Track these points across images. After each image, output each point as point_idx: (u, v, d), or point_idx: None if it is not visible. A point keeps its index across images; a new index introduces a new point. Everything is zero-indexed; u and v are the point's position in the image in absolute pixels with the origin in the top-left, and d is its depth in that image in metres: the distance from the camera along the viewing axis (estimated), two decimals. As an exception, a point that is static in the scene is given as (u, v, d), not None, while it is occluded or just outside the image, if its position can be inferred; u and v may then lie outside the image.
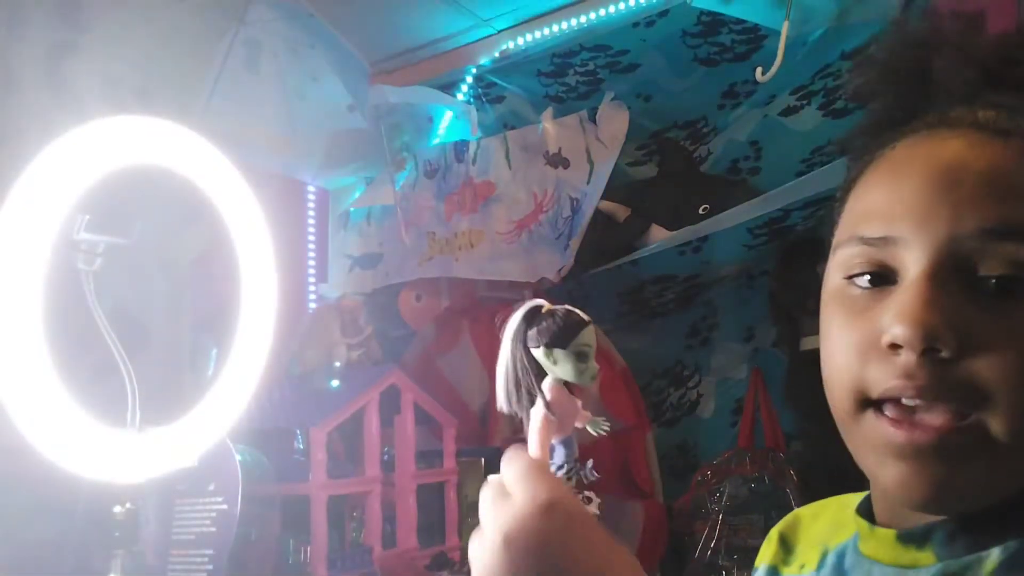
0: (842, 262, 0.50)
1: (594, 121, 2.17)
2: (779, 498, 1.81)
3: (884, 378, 0.46)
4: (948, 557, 0.47)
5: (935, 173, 0.47)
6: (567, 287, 2.18)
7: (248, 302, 1.39)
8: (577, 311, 0.99)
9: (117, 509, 1.24)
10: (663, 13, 1.97)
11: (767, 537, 0.68)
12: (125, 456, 1.20)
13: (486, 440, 2.15)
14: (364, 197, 2.54)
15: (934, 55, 0.52)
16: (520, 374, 0.96)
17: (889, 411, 0.46)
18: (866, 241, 0.49)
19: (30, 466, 1.10)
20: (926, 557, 0.48)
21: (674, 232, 2.01)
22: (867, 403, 0.47)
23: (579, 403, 1.03)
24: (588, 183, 2.13)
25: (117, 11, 1.58)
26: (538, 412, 0.95)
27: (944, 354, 0.44)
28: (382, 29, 2.31)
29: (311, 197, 2.64)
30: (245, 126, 2.02)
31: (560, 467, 1.02)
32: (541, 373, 0.97)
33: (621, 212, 2.12)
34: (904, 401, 0.45)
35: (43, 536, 1.38)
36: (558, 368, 0.97)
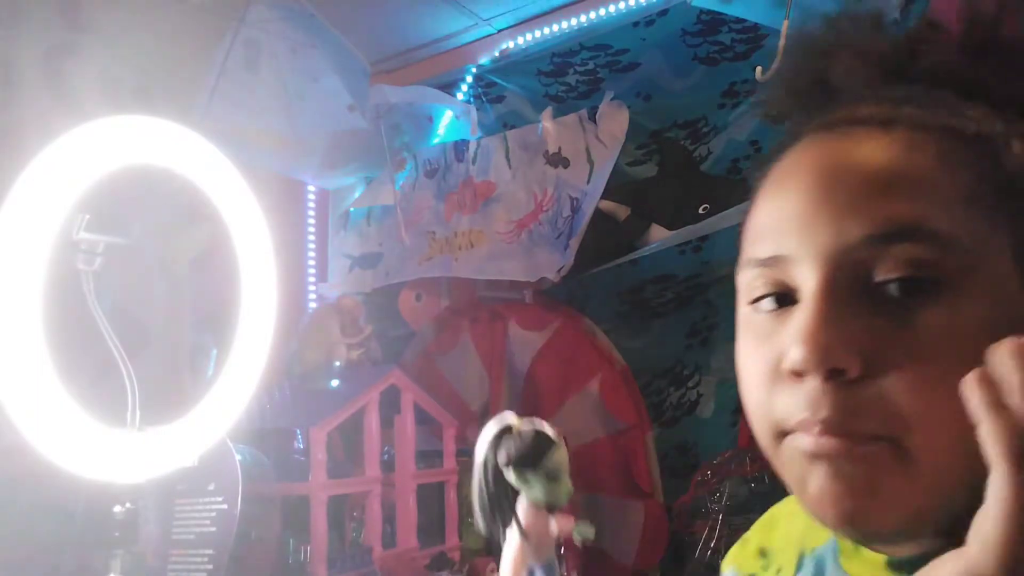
0: (743, 288, 0.47)
1: (594, 121, 2.17)
2: (779, 498, 1.80)
3: (793, 410, 0.42)
4: None
5: (814, 180, 0.44)
6: (567, 287, 2.18)
7: (248, 302, 1.39)
8: (547, 430, 0.95)
9: (117, 509, 1.24)
10: (663, 12, 1.97)
11: (743, 538, 0.63)
12: (125, 456, 1.20)
13: (486, 440, 2.15)
14: (364, 197, 2.54)
15: (833, 60, 0.49)
16: (492, 496, 0.93)
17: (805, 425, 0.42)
18: (760, 263, 0.45)
19: (30, 466, 1.10)
20: None
21: (674, 232, 2.01)
22: (784, 435, 0.43)
23: (566, 519, 0.99)
24: (588, 183, 2.13)
25: (117, 11, 1.58)
26: (513, 536, 0.92)
27: (850, 376, 0.40)
28: (382, 29, 2.31)
29: (311, 197, 2.64)
30: (245, 126, 2.02)
31: None
32: (515, 493, 0.94)
33: (621, 212, 2.12)
34: (836, 436, 0.41)
35: (43, 536, 1.38)
36: (530, 490, 0.94)
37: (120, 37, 1.59)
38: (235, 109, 1.94)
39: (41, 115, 1.44)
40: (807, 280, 0.42)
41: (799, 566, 0.53)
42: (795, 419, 0.41)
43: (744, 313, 0.47)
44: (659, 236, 2.05)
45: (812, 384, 0.41)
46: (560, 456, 0.94)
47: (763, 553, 0.60)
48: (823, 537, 0.52)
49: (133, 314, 1.57)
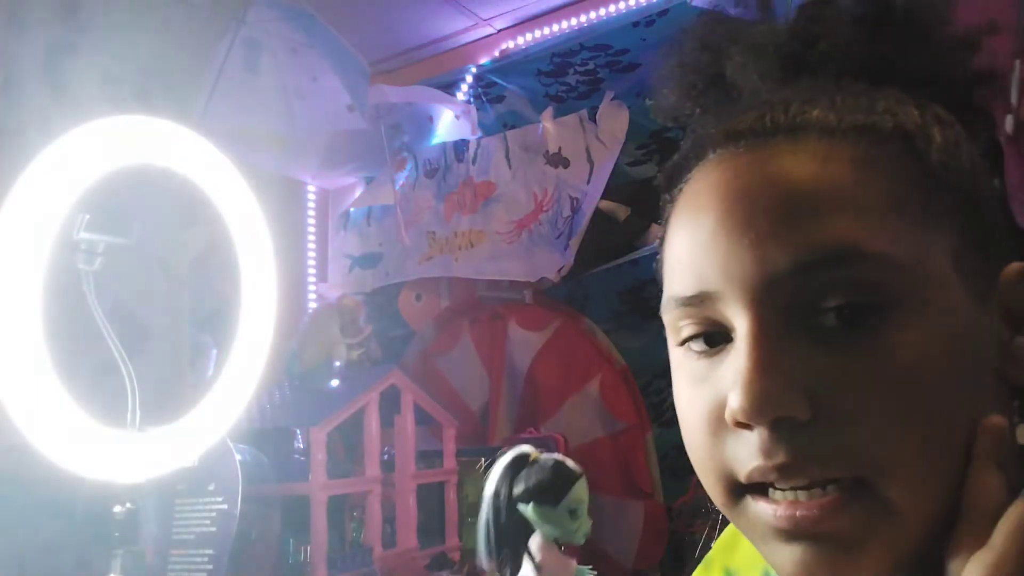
0: (669, 327, 0.43)
1: (594, 121, 2.17)
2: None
3: (745, 458, 0.37)
4: None
5: (728, 205, 0.39)
6: (567, 287, 2.18)
7: (248, 302, 1.39)
8: (568, 462, 0.87)
9: (117, 509, 1.24)
10: (663, 12, 1.97)
11: (705, 560, 0.59)
12: (125, 456, 1.20)
13: (486, 440, 2.15)
14: (364, 197, 2.54)
15: (724, 54, 0.45)
16: (503, 530, 0.85)
17: (766, 494, 0.37)
18: (684, 302, 0.41)
19: (30, 466, 1.10)
20: None
21: (674, 232, 2.01)
22: (740, 488, 0.38)
23: (572, 562, 0.92)
24: (588, 183, 2.13)
25: (117, 11, 1.58)
26: (526, 571, 0.84)
27: (799, 420, 0.35)
28: (382, 29, 2.31)
29: (311, 197, 2.64)
30: (245, 126, 2.02)
31: None
32: (527, 529, 0.87)
33: (621, 212, 2.12)
34: (789, 488, 0.36)
35: (43, 536, 1.38)
36: (547, 526, 0.86)
37: (120, 37, 1.59)
38: (235, 109, 1.94)
39: (41, 115, 1.44)
40: (737, 319, 0.38)
41: None
42: (747, 468, 0.37)
43: (676, 355, 0.43)
44: (659, 236, 2.05)
45: (761, 433, 0.36)
46: (582, 490, 0.87)
47: (729, 574, 0.56)
48: None
49: (133, 314, 1.57)
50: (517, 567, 0.85)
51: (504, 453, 0.89)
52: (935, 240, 0.37)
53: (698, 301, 0.40)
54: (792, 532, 0.36)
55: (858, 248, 0.35)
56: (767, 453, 0.36)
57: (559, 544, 0.88)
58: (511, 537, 0.87)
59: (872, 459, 0.35)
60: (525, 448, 0.90)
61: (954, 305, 0.37)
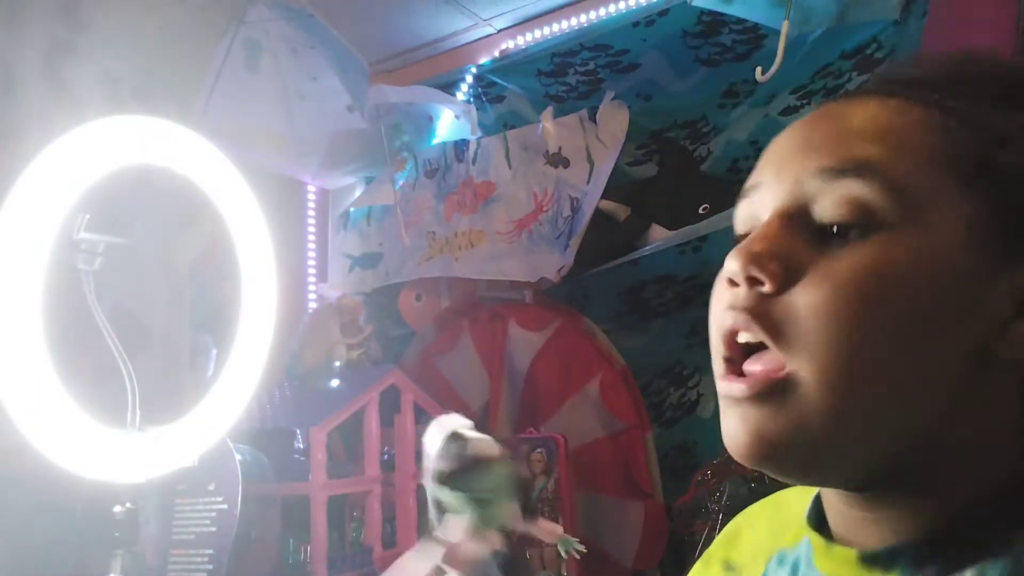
0: (736, 220, 0.50)
1: (594, 121, 2.17)
2: (779, 498, 1.81)
3: (720, 312, 0.46)
4: None
5: (802, 124, 0.48)
6: (567, 287, 2.18)
7: (248, 302, 1.39)
8: (490, 445, 0.79)
9: (117, 509, 1.24)
10: (663, 13, 1.97)
11: (704, 555, 0.61)
12: (125, 456, 1.20)
13: (486, 440, 2.15)
14: (364, 197, 2.54)
15: None
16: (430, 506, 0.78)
17: (727, 367, 0.46)
18: (744, 193, 0.49)
19: (30, 466, 1.10)
20: None
21: (674, 232, 2.01)
22: (724, 362, 0.46)
23: (552, 528, 0.84)
24: (588, 183, 2.13)
25: (116, 11, 1.58)
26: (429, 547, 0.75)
27: (766, 288, 0.43)
28: (382, 29, 2.31)
29: (311, 197, 2.64)
30: (245, 126, 2.02)
31: None
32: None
33: (621, 212, 2.12)
34: (740, 331, 0.44)
35: (43, 536, 1.38)
36: (459, 510, 0.77)
37: (120, 37, 1.59)
38: (235, 109, 1.94)
39: (41, 115, 1.44)
40: (767, 206, 0.46)
41: (766, 571, 0.52)
42: (722, 316, 0.46)
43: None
44: (659, 236, 2.04)
45: (737, 289, 0.44)
46: (495, 478, 0.78)
47: (728, 567, 0.58)
48: (793, 538, 0.52)
49: (133, 314, 1.57)
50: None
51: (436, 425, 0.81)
52: (957, 200, 0.42)
53: (752, 191, 0.48)
54: (728, 400, 0.45)
55: (875, 167, 0.42)
56: (733, 304, 0.44)
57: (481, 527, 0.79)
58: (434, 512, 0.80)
59: (802, 343, 0.42)
60: (454, 425, 0.79)
61: (944, 260, 0.41)
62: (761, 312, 0.43)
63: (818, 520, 0.49)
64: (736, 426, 0.44)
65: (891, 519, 0.44)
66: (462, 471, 0.73)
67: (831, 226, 0.43)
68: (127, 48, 1.59)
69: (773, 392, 0.43)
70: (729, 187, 2.04)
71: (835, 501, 0.48)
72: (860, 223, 0.42)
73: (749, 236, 0.45)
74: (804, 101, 1.96)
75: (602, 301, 2.19)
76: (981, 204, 0.42)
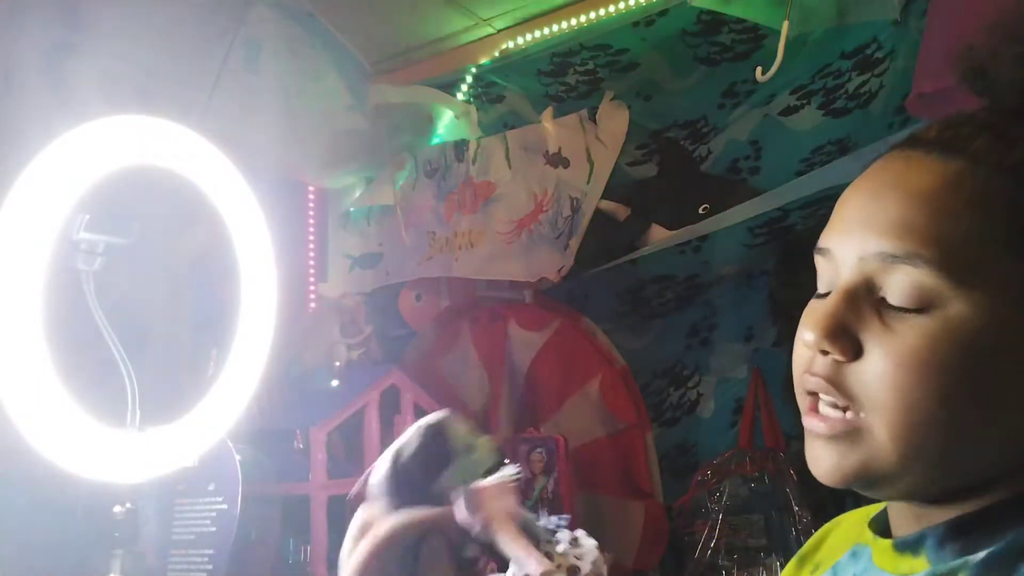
0: (819, 279, 0.55)
1: (594, 121, 2.17)
2: (779, 498, 1.81)
3: (799, 367, 0.53)
4: (939, 563, 0.48)
5: (865, 190, 0.52)
6: (567, 287, 2.18)
7: (248, 302, 1.39)
8: (426, 421, 0.80)
9: (117, 509, 1.24)
10: (663, 12, 1.97)
11: (797, 555, 0.69)
12: (125, 456, 1.20)
13: (486, 440, 2.15)
14: (364, 197, 2.54)
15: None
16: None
17: (810, 402, 0.52)
18: (817, 251, 0.54)
19: (30, 466, 1.10)
20: (921, 564, 0.50)
21: (674, 232, 2.00)
22: (807, 397, 0.53)
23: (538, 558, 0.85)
24: (588, 183, 2.13)
25: (117, 11, 1.58)
26: (499, 526, 0.78)
27: (837, 359, 0.50)
28: (382, 29, 2.31)
29: (311, 197, 2.64)
30: (245, 126, 2.02)
31: None
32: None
33: (621, 212, 2.12)
34: (820, 394, 0.51)
35: (43, 536, 1.38)
36: (462, 479, 0.80)
37: (120, 37, 1.59)
38: (235, 109, 1.94)
39: (41, 115, 1.44)
40: (840, 276, 0.52)
41: (836, 564, 0.60)
42: (801, 373, 0.53)
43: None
44: (659, 236, 2.04)
45: (815, 356, 0.51)
46: (455, 423, 0.78)
47: (816, 566, 0.65)
48: (862, 541, 0.58)
49: (133, 314, 1.57)
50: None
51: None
52: (1012, 265, 0.47)
53: (822, 253, 0.54)
54: (810, 434, 0.52)
55: (924, 255, 0.47)
56: (813, 370, 0.51)
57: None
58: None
59: (871, 404, 0.48)
60: (387, 452, 0.79)
61: (998, 324, 0.46)
62: (837, 381, 0.50)
63: (884, 521, 0.57)
64: (819, 456, 0.52)
65: (928, 516, 0.51)
66: (435, 449, 0.73)
67: (891, 301, 0.49)
68: (127, 48, 1.59)
69: (847, 435, 0.50)
70: (729, 187, 2.04)
71: (893, 507, 0.56)
72: (917, 306, 0.48)
73: (822, 311, 0.51)
74: (804, 101, 1.96)
75: (602, 301, 2.18)
76: None
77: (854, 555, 0.58)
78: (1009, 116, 0.50)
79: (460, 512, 0.75)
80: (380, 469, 0.76)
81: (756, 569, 1.78)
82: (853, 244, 0.51)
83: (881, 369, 0.48)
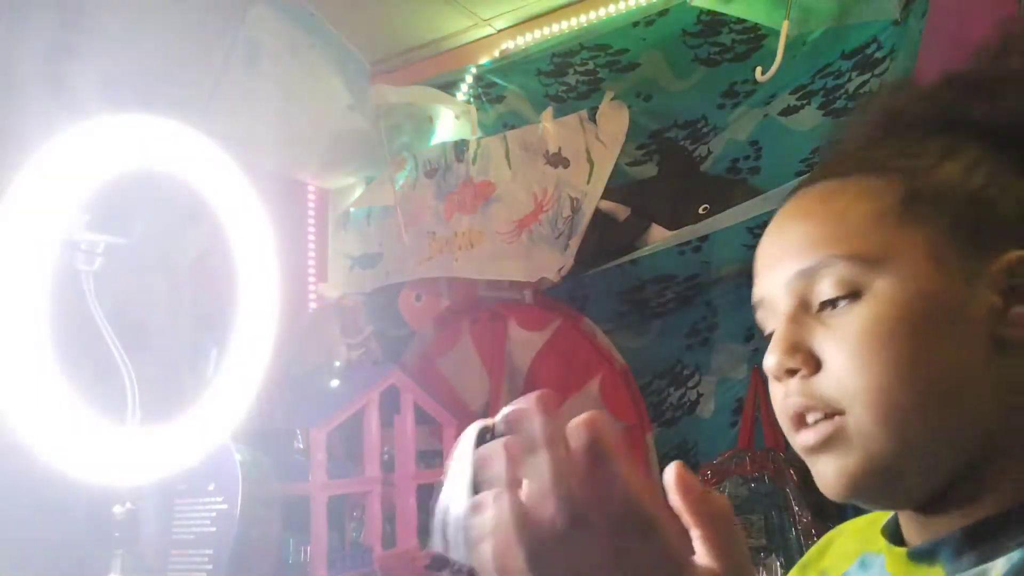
0: (761, 326, 0.60)
1: (594, 121, 2.17)
2: (779, 498, 1.81)
3: (780, 400, 0.55)
4: (956, 572, 0.49)
5: (769, 234, 0.58)
6: (567, 287, 2.18)
7: (248, 302, 1.39)
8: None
9: (117, 509, 1.24)
10: (663, 12, 1.97)
11: (800, 562, 0.69)
12: (125, 456, 1.20)
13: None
14: (364, 197, 2.54)
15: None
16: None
17: (796, 424, 0.54)
18: (754, 308, 0.59)
19: (30, 466, 1.10)
20: (937, 573, 0.50)
21: (674, 232, 2.00)
22: (790, 423, 0.55)
23: None
24: (588, 183, 2.13)
25: (117, 11, 1.58)
26: None
27: (803, 373, 0.52)
28: (382, 29, 2.31)
29: (311, 197, 2.64)
30: (245, 126, 2.02)
31: None
32: None
33: (621, 212, 2.12)
34: (804, 413, 0.53)
35: (43, 536, 1.38)
36: None
37: (120, 37, 1.59)
38: (235, 109, 1.94)
39: (41, 115, 1.44)
40: (776, 311, 0.56)
41: (848, 570, 0.60)
42: (785, 405, 0.54)
43: None
44: (659, 236, 2.04)
45: (789, 381, 0.53)
46: None
47: (822, 573, 0.65)
48: (880, 546, 0.59)
49: (133, 314, 1.57)
50: None
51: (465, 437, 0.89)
52: (912, 237, 0.51)
53: (760, 304, 0.58)
54: (808, 452, 0.53)
55: (836, 258, 0.52)
56: (789, 393, 0.53)
57: None
58: None
59: (851, 401, 0.50)
60: (480, 424, 0.88)
61: (921, 285, 0.50)
62: (812, 393, 0.52)
63: (895, 529, 0.57)
64: (822, 471, 0.52)
65: (940, 523, 0.51)
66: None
67: (826, 303, 0.52)
68: (127, 48, 1.59)
69: (838, 438, 0.51)
70: (729, 187, 2.04)
71: (903, 513, 0.56)
72: (845, 294, 0.51)
73: (773, 340, 0.54)
74: (804, 101, 1.96)
75: (602, 301, 2.18)
76: (931, 229, 0.51)
77: (863, 564, 0.58)
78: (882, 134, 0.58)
79: None
80: (469, 435, 0.82)
81: (756, 569, 1.78)
82: (777, 278, 0.55)
83: (841, 363, 0.51)
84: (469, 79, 2.33)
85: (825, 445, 0.51)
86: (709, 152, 2.13)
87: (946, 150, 0.53)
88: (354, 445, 1.83)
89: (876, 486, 0.51)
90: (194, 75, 1.80)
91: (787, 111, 1.98)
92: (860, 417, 0.50)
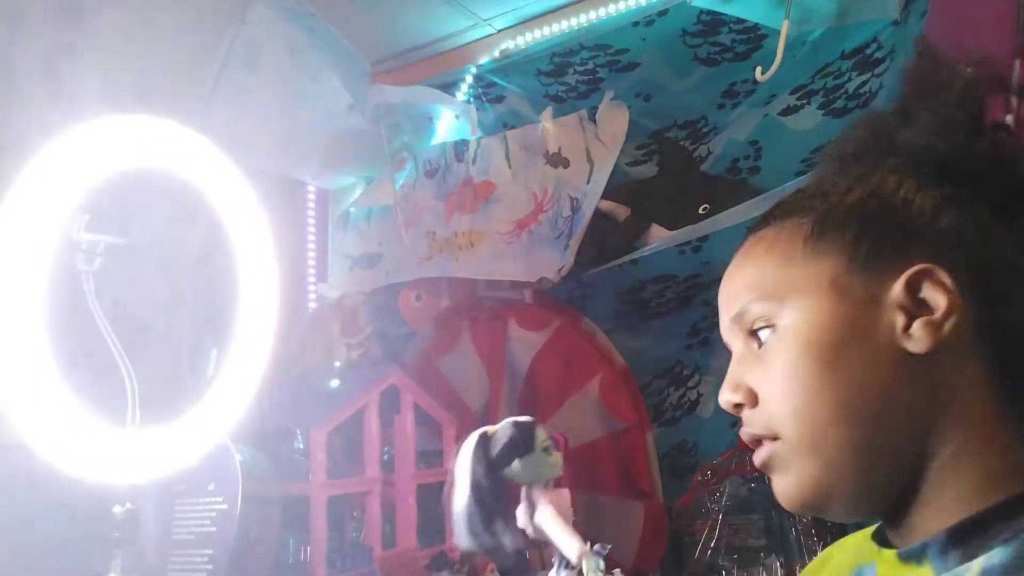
0: None
1: (594, 121, 2.17)
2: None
3: (742, 431, 0.61)
4: (944, 570, 0.51)
5: (720, 288, 0.64)
6: (567, 287, 2.18)
7: (248, 302, 1.39)
8: (518, 418, 1.01)
9: (117, 509, 1.24)
10: (663, 12, 1.97)
11: None
12: (125, 456, 1.20)
13: (486, 440, 2.15)
14: (364, 197, 2.54)
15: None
16: (491, 504, 0.95)
17: (754, 446, 0.60)
18: (728, 350, 0.65)
19: (30, 466, 1.10)
20: (926, 572, 0.52)
21: (674, 232, 2.00)
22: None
23: (564, 491, 1.07)
24: (588, 183, 2.13)
25: (117, 11, 1.58)
26: (545, 512, 0.98)
27: (747, 408, 0.59)
28: (382, 29, 2.31)
29: (311, 197, 2.64)
30: (245, 126, 2.02)
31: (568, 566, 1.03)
32: (506, 496, 0.98)
33: (621, 212, 2.12)
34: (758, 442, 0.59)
35: (43, 536, 1.38)
36: (533, 472, 0.98)
37: (120, 37, 1.59)
38: (235, 109, 1.94)
39: (41, 115, 1.44)
40: (731, 350, 0.63)
41: None
42: (744, 438, 0.61)
43: None
44: (659, 236, 2.04)
45: (743, 413, 0.60)
46: (541, 430, 0.99)
47: None
48: (868, 559, 0.61)
49: (133, 314, 1.57)
50: (513, 531, 0.94)
51: (464, 444, 1.01)
52: (814, 276, 0.57)
53: (727, 347, 0.63)
54: (763, 469, 0.59)
55: (752, 302, 0.59)
56: (743, 427, 0.60)
57: (546, 484, 0.98)
58: (500, 506, 0.98)
59: (780, 426, 0.56)
60: (480, 430, 1.02)
61: (827, 317, 0.56)
62: (755, 423, 0.59)
63: (882, 533, 0.60)
64: (775, 489, 0.58)
65: (919, 526, 0.54)
66: (521, 437, 0.91)
67: (757, 342, 0.59)
68: (127, 48, 1.59)
69: (776, 458, 0.57)
70: (729, 187, 2.04)
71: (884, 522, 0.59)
72: (763, 327, 0.58)
73: (725, 379, 0.61)
74: (804, 101, 1.96)
75: (602, 301, 2.19)
76: (834, 259, 0.56)
77: (859, 574, 0.60)
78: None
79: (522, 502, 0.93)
80: (470, 441, 0.92)
81: (756, 569, 1.78)
82: (726, 323, 0.62)
83: (768, 394, 0.57)
84: (469, 79, 2.33)
85: (767, 467, 0.58)
86: (709, 152, 2.13)
87: (858, 178, 0.59)
88: (354, 445, 1.83)
89: (817, 501, 0.56)
90: (194, 75, 1.80)
91: (787, 111, 1.98)
92: (789, 440, 0.56)
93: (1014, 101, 1.19)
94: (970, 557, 0.50)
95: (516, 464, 0.95)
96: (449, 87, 2.34)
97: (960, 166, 0.56)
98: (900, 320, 0.54)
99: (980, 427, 0.53)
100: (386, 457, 1.87)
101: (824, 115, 1.93)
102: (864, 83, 1.84)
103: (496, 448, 0.96)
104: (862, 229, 0.56)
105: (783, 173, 1.94)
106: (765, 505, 1.83)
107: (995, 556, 0.48)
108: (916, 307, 0.53)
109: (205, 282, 1.77)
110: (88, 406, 1.14)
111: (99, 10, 1.56)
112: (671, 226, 2.02)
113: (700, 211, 1.99)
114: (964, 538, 0.51)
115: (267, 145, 2.15)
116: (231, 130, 1.76)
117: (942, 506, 0.53)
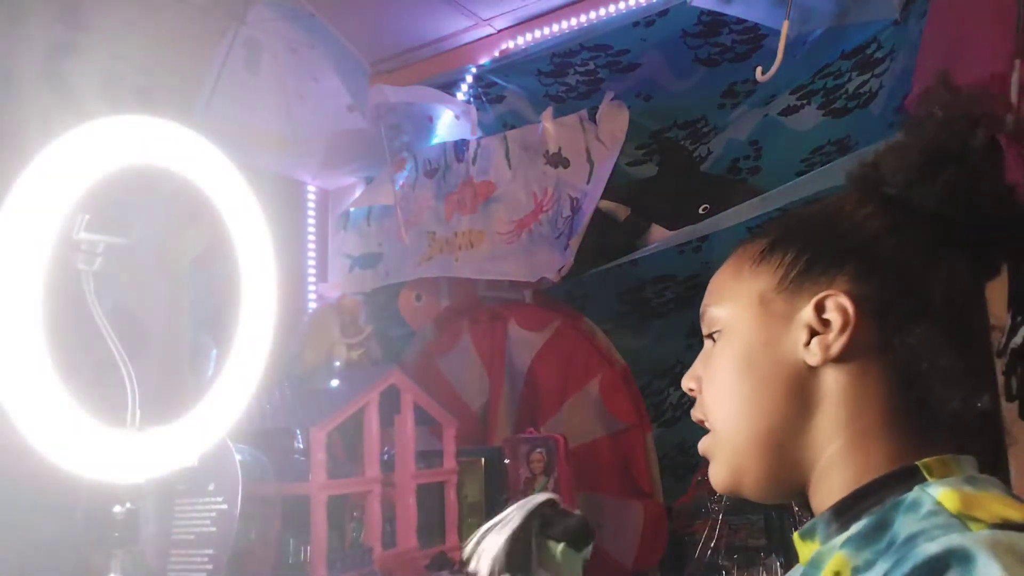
0: None
1: (594, 121, 2.17)
2: (779, 498, 1.81)
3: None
4: (827, 540, 0.61)
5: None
6: (567, 287, 2.18)
7: (248, 302, 1.39)
8: (589, 521, 1.07)
9: (117, 509, 1.24)
10: (663, 13, 1.97)
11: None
12: (125, 456, 1.20)
13: (486, 440, 2.15)
14: (364, 197, 2.54)
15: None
16: (520, 558, 0.99)
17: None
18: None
19: (30, 466, 1.10)
20: (816, 545, 0.63)
21: (674, 232, 2.00)
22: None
23: None
24: (588, 183, 2.13)
25: (117, 11, 1.58)
26: None
27: (695, 393, 0.72)
28: (382, 29, 2.31)
29: (311, 197, 2.64)
30: (245, 126, 2.02)
31: None
32: (531, 563, 1.00)
33: (621, 212, 2.12)
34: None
35: (43, 536, 1.38)
36: (566, 568, 1.00)
37: (120, 37, 1.59)
38: (235, 109, 1.94)
39: (41, 115, 1.44)
40: None
41: None
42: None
43: None
44: (659, 236, 2.04)
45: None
46: (590, 548, 1.04)
47: None
48: None
49: (133, 314, 1.57)
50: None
51: (524, 495, 1.05)
52: (749, 290, 0.67)
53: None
54: (704, 455, 0.71)
55: (708, 307, 0.71)
56: (694, 409, 0.73)
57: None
58: (523, 564, 1.00)
59: (708, 412, 0.70)
60: (552, 495, 1.07)
61: (749, 327, 0.67)
62: (698, 407, 0.72)
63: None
64: (709, 473, 0.70)
65: (819, 509, 0.64)
66: (584, 533, 0.96)
67: (711, 339, 0.71)
68: (127, 48, 1.59)
69: (710, 449, 0.70)
70: (729, 187, 2.04)
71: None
72: (713, 331, 0.70)
73: None
74: (804, 101, 1.96)
75: (602, 301, 2.19)
76: (767, 278, 0.66)
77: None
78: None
79: None
80: (540, 497, 0.99)
81: (756, 569, 1.78)
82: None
83: (706, 383, 0.70)
84: (469, 79, 2.33)
85: (706, 454, 0.70)
86: (709, 152, 2.13)
87: (817, 200, 0.69)
88: (354, 445, 1.83)
89: (733, 482, 0.68)
90: (194, 75, 1.80)
91: (787, 111, 1.98)
92: (713, 426, 0.69)
93: (1014, 100, 1.19)
94: (845, 528, 0.59)
95: (562, 548, 0.99)
96: (449, 87, 2.34)
97: (913, 200, 0.63)
98: (803, 336, 0.63)
99: (868, 429, 0.61)
100: (386, 457, 1.87)
101: (824, 115, 1.93)
102: (864, 83, 1.84)
103: (561, 521, 1.01)
104: (803, 248, 0.65)
105: (783, 173, 1.94)
106: (765, 505, 1.83)
107: (860, 525, 0.58)
108: (822, 326, 0.63)
109: (205, 282, 1.77)
110: (88, 406, 1.14)
111: (99, 10, 1.56)
112: (671, 226, 2.02)
113: (700, 211, 1.99)
114: (841, 513, 0.61)
115: (267, 145, 2.15)
116: (231, 130, 1.76)
117: (831, 491, 0.62)
